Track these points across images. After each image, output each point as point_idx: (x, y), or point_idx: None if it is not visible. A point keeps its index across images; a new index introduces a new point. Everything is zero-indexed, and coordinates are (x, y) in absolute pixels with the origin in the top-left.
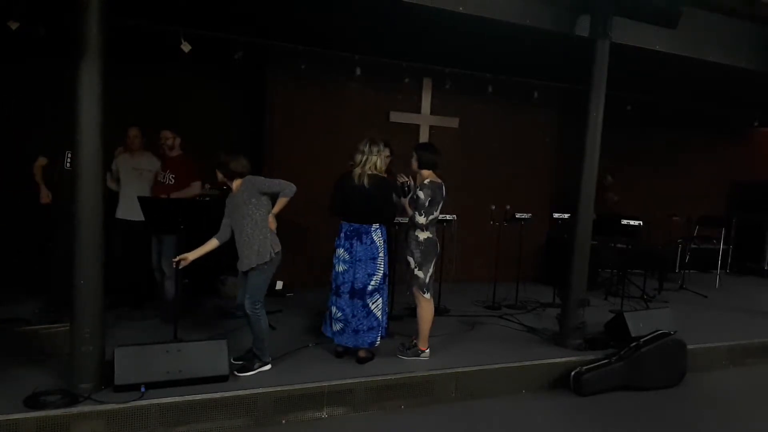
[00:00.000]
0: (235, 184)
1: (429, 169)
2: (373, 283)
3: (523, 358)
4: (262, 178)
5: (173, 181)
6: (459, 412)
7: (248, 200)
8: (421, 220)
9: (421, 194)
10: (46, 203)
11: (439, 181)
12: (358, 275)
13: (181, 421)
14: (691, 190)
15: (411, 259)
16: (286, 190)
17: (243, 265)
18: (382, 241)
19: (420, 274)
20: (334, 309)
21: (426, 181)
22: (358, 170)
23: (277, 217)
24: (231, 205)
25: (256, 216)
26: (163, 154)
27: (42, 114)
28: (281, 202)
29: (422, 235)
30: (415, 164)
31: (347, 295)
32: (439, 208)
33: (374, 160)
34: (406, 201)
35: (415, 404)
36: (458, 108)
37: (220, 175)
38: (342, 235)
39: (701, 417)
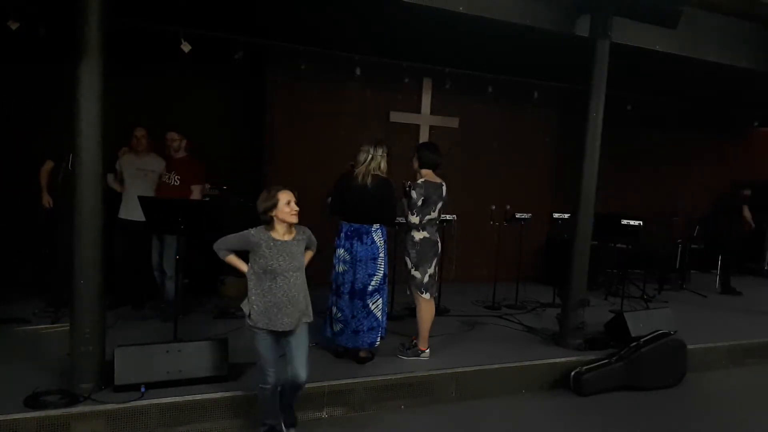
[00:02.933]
0: (284, 228)
1: (429, 168)
2: (373, 283)
3: (523, 358)
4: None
5: (178, 182)
6: (459, 412)
7: (304, 251)
8: (414, 219)
9: (413, 194)
10: (48, 208)
11: (438, 180)
12: (358, 275)
13: (181, 421)
14: (691, 190)
15: (407, 260)
16: (316, 244)
17: (286, 324)
18: (382, 242)
19: (417, 274)
20: (334, 309)
21: (419, 181)
22: (361, 169)
23: None
24: (278, 251)
25: (304, 269)
26: (169, 156)
27: (47, 116)
28: (308, 256)
29: (418, 236)
30: (416, 164)
31: (347, 296)
32: (437, 208)
33: (379, 161)
34: (405, 202)
35: (415, 404)
36: (458, 108)
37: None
38: (342, 235)
39: (701, 417)
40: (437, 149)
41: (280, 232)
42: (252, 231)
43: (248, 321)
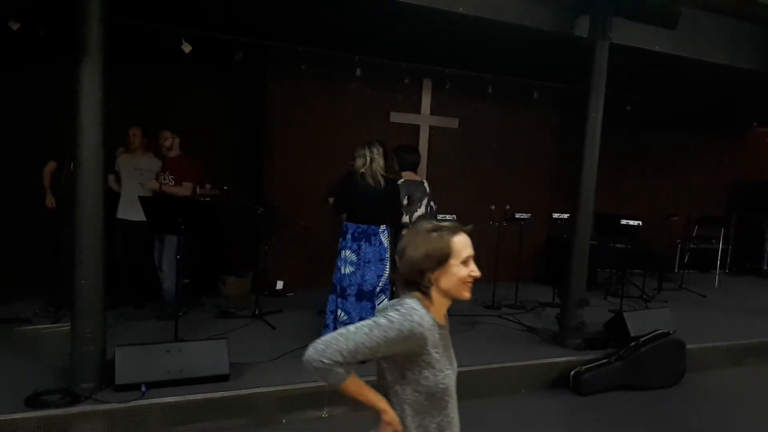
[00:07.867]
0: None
1: (409, 170)
2: (380, 284)
3: (523, 358)
4: None
5: (172, 182)
6: (459, 411)
7: None
8: (405, 219)
9: None
10: (50, 208)
11: (418, 178)
12: (366, 277)
13: (182, 421)
14: (691, 190)
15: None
16: None
17: None
18: (388, 242)
19: None
20: (339, 312)
21: (400, 182)
22: (368, 172)
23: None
24: (444, 349)
25: None
26: (163, 155)
27: (48, 116)
28: None
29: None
30: (396, 166)
31: (354, 297)
32: (423, 204)
33: (378, 160)
34: None
35: None
36: (458, 108)
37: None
38: (349, 236)
39: (700, 417)
40: (414, 149)
41: (440, 313)
42: (415, 314)
43: None
